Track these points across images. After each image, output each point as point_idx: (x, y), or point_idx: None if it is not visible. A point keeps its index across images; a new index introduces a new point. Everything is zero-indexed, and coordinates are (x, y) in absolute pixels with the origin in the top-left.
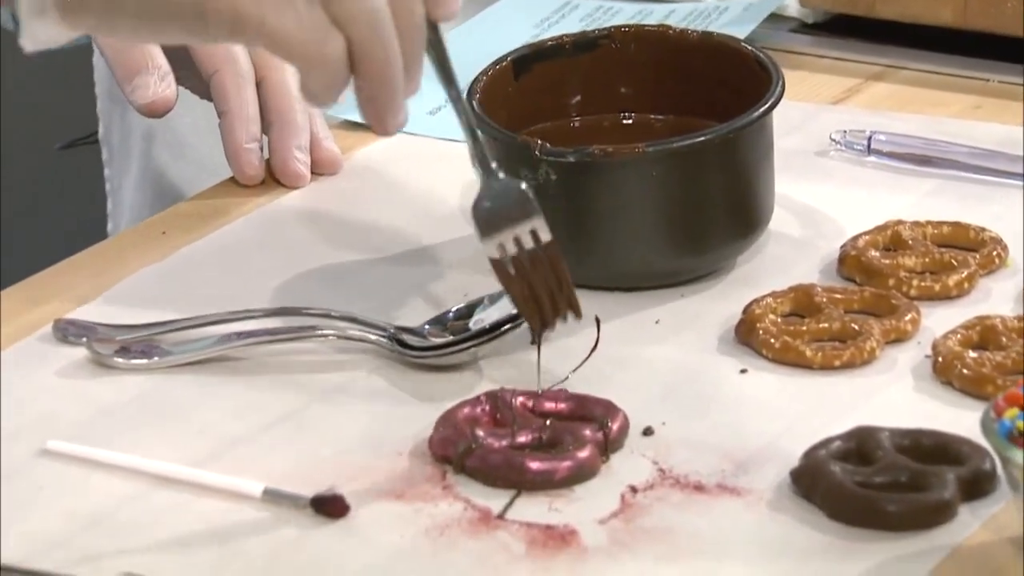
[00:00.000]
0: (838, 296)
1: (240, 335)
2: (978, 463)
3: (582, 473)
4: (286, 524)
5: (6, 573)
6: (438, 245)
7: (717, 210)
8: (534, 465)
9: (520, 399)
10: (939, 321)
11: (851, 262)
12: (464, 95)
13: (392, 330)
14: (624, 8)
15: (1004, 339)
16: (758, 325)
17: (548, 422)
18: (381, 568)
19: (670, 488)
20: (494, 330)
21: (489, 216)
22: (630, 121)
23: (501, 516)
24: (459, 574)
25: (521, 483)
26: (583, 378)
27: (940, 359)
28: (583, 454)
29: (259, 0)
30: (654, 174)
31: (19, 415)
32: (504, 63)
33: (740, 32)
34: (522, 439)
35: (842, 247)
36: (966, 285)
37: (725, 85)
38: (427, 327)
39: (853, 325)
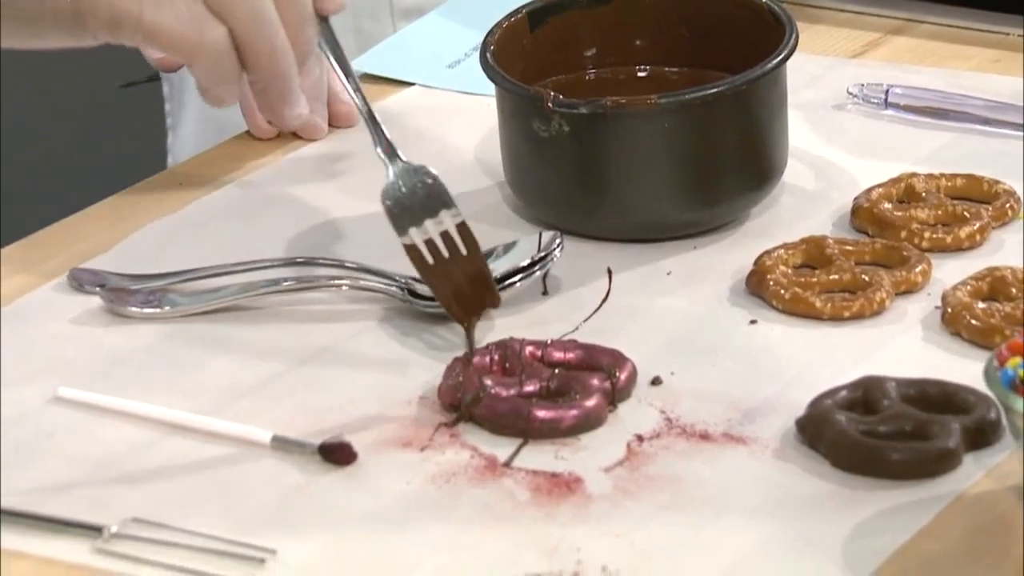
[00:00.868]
0: (849, 248)
1: (253, 285)
2: (983, 412)
3: (588, 422)
4: (294, 471)
5: (16, 517)
6: (454, 197)
7: (730, 162)
8: (541, 413)
9: (529, 348)
10: (950, 273)
11: (864, 214)
12: (359, 87)
13: (403, 280)
14: None
15: (1014, 290)
16: (769, 276)
17: (556, 371)
18: (388, 514)
19: (676, 437)
20: (503, 280)
21: (401, 204)
22: (645, 74)
23: (507, 464)
24: (464, 520)
25: (528, 431)
26: (594, 328)
27: (949, 310)
28: (590, 403)
29: None
30: (666, 125)
31: (32, 362)
32: (519, 16)
33: None
34: (530, 388)
35: (855, 199)
36: (978, 237)
37: (739, 38)
38: None
39: (863, 276)
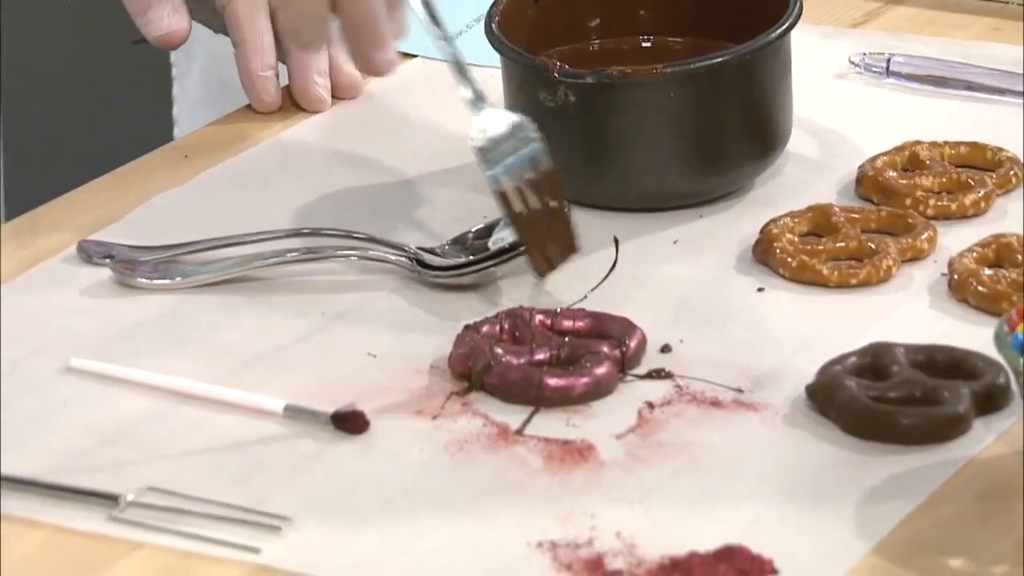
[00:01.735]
0: (855, 216)
1: (261, 255)
2: (992, 377)
3: (599, 389)
4: (307, 439)
5: (31, 487)
6: (458, 168)
7: (735, 131)
8: (552, 381)
9: (539, 317)
10: (955, 240)
11: (869, 182)
12: (452, 35)
13: (412, 250)
14: None
15: (1020, 256)
16: (775, 244)
17: (566, 339)
18: (401, 482)
19: (687, 404)
20: (513, 250)
21: (490, 149)
22: (649, 44)
23: (519, 432)
24: (478, 488)
25: (539, 399)
26: (601, 297)
27: (956, 276)
28: (601, 370)
29: None
30: (672, 95)
31: (44, 333)
32: None
33: None
34: (540, 356)
35: (860, 168)
36: (983, 204)
37: (743, 7)
38: (447, 247)
39: (870, 244)
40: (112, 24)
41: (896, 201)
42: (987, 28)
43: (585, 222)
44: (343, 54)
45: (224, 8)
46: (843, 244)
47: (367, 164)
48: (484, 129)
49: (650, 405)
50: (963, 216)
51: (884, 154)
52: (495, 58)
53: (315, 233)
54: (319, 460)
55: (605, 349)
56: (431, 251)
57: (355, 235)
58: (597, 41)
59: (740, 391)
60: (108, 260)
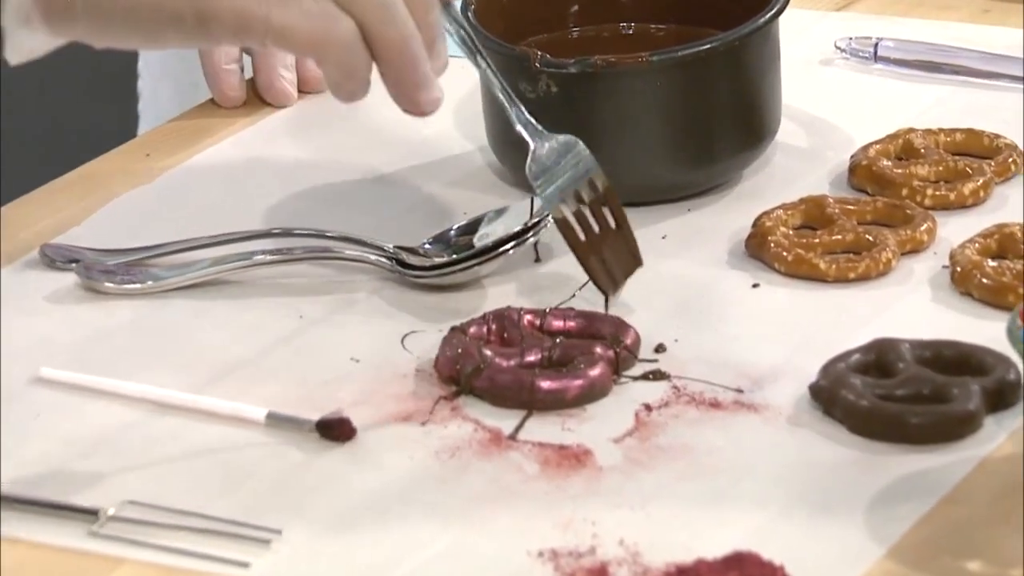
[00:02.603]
0: (851, 207)
1: (233, 258)
2: (1002, 373)
3: (594, 392)
4: (292, 448)
5: (6, 502)
6: (435, 163)
7: (724, 121)
8: (545, 384)
9: (527, 317)
10: (955, 231)
11: (862, 172)
12: (487, 60)
13: (391, 250)
14: None
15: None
16: (769, 238)
17: (558, 340)
18: (393, 490)
19: (685, 405)
20: (497, 248)
21: (545, 174)
22: (630, 31)
23: (513, 437)
24: (473, 495)
25: (532, 403)
26: (590, 296)
27: (958, 269)
28: (595, 372)
29: None
30: (659, 84)
31: (10, 342)
32: None
33: None
34: (531, 358)
35: (852, 157)
36: (982, 193)
37: None
38: (428, 246)
39: (867, 236)
40: None
41: (892, 191)
42: (977, 10)
43: None
44: None
45: None
46: (839, 237)
47: (338, 161)
48: (536, 154)
49: (647, 407)
50: (962, 206)
51: (877, 143)
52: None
53: (287, 233)
54: (306, 470)
55: (598, 350)
56: (411, 250)
57: (329, 235)
58: (576, 29)
59: (740, 391)
60: (73, 265)
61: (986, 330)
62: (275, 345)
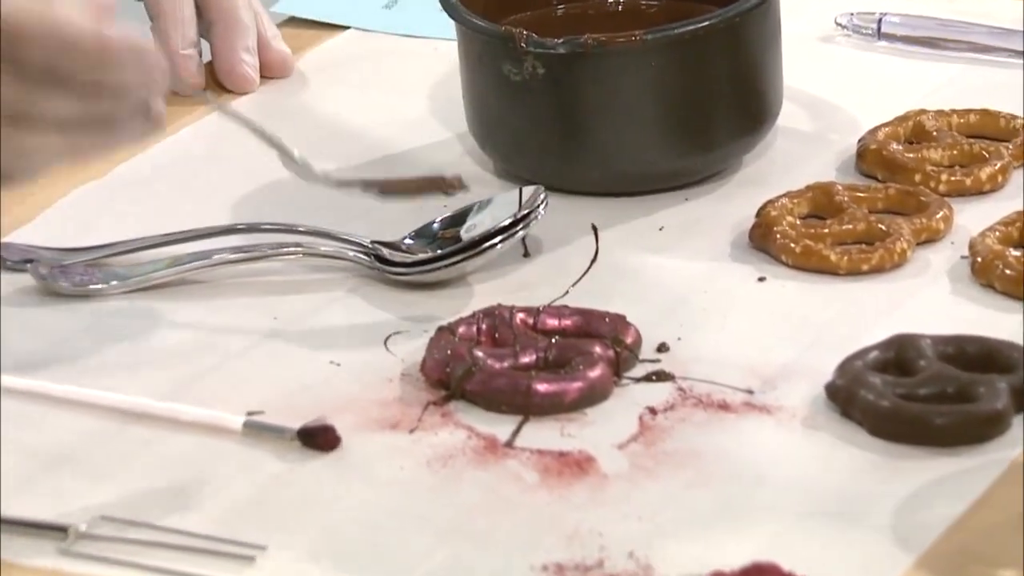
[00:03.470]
0: (861, 194)
1: (198, 256)
2: None
3: (594, 394)
4: (271, 459)
5: None
6: (410, 152)
7: (722, 103)
8: (542, 387)
9: (520, 316)
10: (973, 218)
11: (872, 157)
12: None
13: (369, 245)
14: None
15: None
16: (775, 229)
17: (553, 340)
18: (382, 503)
19: (692, 408)
20: (484, 242)
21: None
22: (619, 7)
23: (509, 444)
24: (469, 507)
25: (528, 407)
26: (585, 292)
27: (979, 259)
28: (594, 373)
29: None
30: (653, 64)
31: None
32: None
33: None
34: (525, 359)
35: (860, 141)
36: (1000, 178)
37: None
38: (408, 241)
39: (880, 225)
40: None
41: (903, 177)
42: None
43: (558, 209)
44: (272, 29)
45: None
46: (850, 226)
47: (307, 149)
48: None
49: (652, 411)
50: (979, 192)
51: (885, 125)
52: (434, 28)
53: (253, 229)
54: (288, 481)
55: (598, 350)
56: (391, 245)
57: (300, 229)
58: (561, 7)
59: (750, 392)
60: (28, 265)
61: (1010, 324)
62: (248, 348)
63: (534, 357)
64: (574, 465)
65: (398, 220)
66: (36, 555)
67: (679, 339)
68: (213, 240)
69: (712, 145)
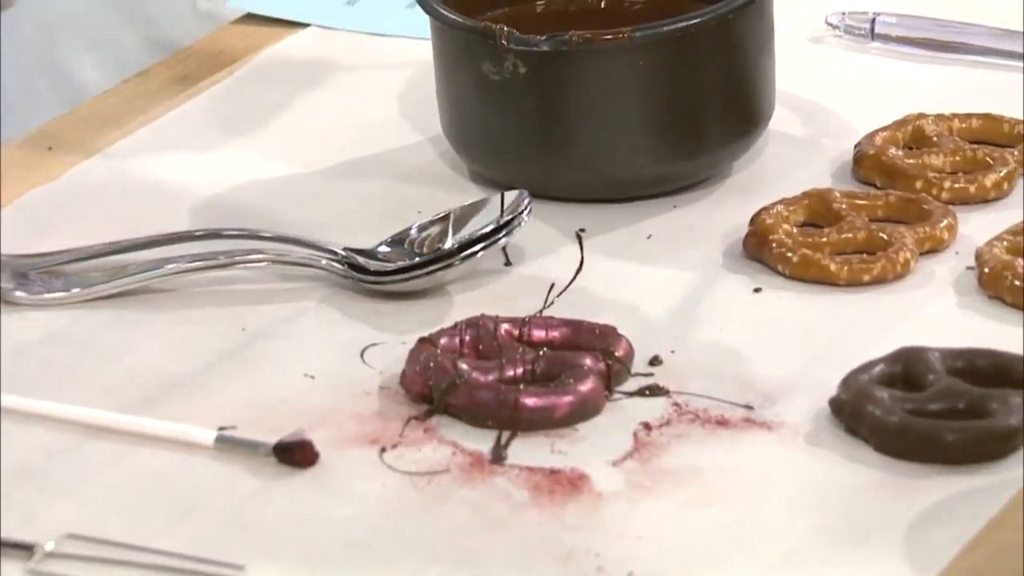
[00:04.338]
0: (860, 202)
1: (160, 263)
2: None
3: (585, 409)
4: (246, 475)
5: None
6: (380, 156)
7: (714, 105)
8: (530, 401)
9: (505, 327)
10: (978, 227)
11: (870, 163)
12: None
13: (343, 252)
14: None
15: None
16: (771, 237)
17: (541, 352)
18: (366, 521)
19: (689, 424)
20: (464, 250)
21: None
22: (601, 4)
23: (497, 458)
24: (458, 526)
25: (515, 422)
26: (569, 303)
27: (986, 270)
28: (585, 387)
29: None
30: (642, 63)
31: None
32: None
33: None
34: (511, 372)
35: (857, 146)
36: (1005, 185)
37: None
38: (384, 248)
39: (881, 234)
40: None
41: (903, 184)
42: None
43: (540, 215)
44: None
45: None
46: (850, 235)
47: (267, 153)
48: None
49: (646, 426)
50: (983, 200)
51: (883, 130)
52: (398, 26)
53: (219, 235)
54: (264, 499)
55: (588, 362)
56: (365, 253)
57: (265, 235)
58: (542, 3)
59: (750, 408)
60: None
61: (1020, 337)
62: (217, 361)
63: (521, 370)
64: (566, 483)
65: (369, 227)
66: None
67: (672, 352)
68: (175, 247)
69: (702, 149)
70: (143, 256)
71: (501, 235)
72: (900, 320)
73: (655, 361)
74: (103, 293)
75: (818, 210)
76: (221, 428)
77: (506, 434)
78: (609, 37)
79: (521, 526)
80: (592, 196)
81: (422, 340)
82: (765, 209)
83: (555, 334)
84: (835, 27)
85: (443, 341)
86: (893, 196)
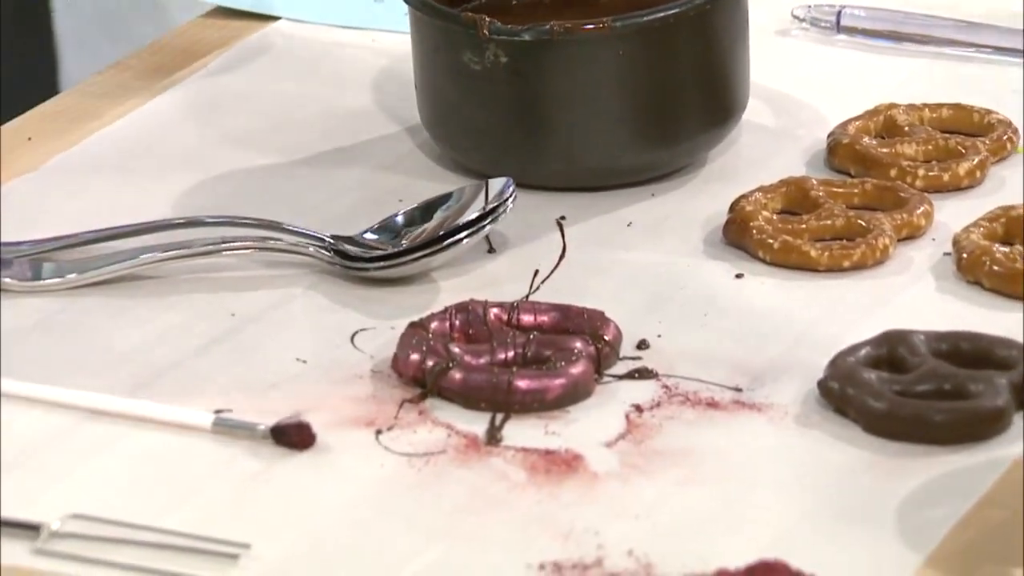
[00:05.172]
0: (837, 189)
1: (147, 250)
2: None
3: (577, 392)
4: (245, 457)
5: None
6: (358, 145)
7: (690, 95)
8: (523, 384)
9: (494, 311)
10: (952, 215)
11: (844, 151)
12: None
13: (329, 240)
14: None
15: None
16: (751, 224)
17: (531, 335)
18: (367, 501)
19: (680, 406)
20: (449, 237)
21: None
22: None
23: (493, 439)
24: (456, 506)
25: (508, 404)
26: (554, 290)
27: (965, 256)
28: (576, 370)
29: None
30: (621, 53)
31: None
32: None
33: None
34: (503, 356)
35: (830, 135)
36: (978, 174)
37: None
38: (370, 235)
39: (860, 221)
40: None
41: (878, 172)
42: None
43: (521, 203)
44: None
45: None
46: (829, 222)
47: (247, 143)
48: None
49: (638, 408)
50: (956, 188)
51: (855, 119)
52: (381, 18)
53: (202, 223)
54: (264, 480)
55: (578, 346)
56: (351, 240)
57: (250, 222)
58: None
59: (739, 390)
60: None
61: (999, 321)
62: (208, 346)
63: (512, 353)
64: (562, 463)
65: (349, 217)
66: (9, 555)
67: (659, 336)
68: (161, 235)
69: (680, 137)
70: (128, 244)
71: (486, 222)
72: (881, 305)
73: (642, 345)
74: (90, 280)
75: (796, 197)
76: (217, 411)
77: (500, 416)
78: (590, 27)
79: (519, 505)
80: (572, 185)
81: (413, 324)
82: (744, 197)
83: (544, 318)
84: (801, 20)
85: (434, 325)
86: (870, 184)
